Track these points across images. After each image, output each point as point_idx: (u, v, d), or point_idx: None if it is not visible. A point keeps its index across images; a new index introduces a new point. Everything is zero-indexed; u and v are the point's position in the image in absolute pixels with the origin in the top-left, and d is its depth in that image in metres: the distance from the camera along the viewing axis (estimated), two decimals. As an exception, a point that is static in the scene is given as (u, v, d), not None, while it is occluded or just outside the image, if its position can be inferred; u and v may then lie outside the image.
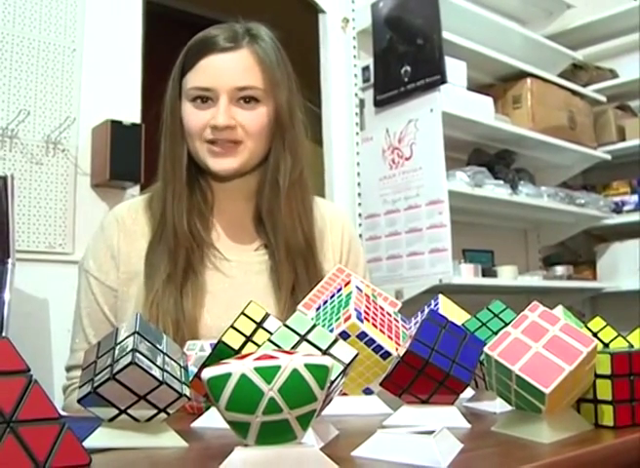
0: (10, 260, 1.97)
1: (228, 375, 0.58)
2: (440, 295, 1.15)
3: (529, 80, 3.78)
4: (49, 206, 2.56)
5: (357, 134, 3.53)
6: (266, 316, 0.88)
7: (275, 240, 1.52)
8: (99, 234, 1.57)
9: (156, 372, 0.72)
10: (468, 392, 0.98)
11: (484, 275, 3.49)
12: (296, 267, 1.50)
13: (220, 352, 0.85)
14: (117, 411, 0.73)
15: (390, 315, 1.05)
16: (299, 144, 1.56)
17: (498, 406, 0.96)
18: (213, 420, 0.88)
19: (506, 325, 1.01)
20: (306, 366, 0.58)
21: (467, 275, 3.35)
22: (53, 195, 2.57)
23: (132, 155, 2.60)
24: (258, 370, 0.58)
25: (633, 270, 3.92)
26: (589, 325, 1.02)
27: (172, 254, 1.46)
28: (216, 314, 1.44)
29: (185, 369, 0.80)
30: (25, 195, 2.51)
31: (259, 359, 0.59)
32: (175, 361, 0.79)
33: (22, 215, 2.49)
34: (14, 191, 2.08)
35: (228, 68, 1.49)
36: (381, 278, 3.26)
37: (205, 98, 1.49)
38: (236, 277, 1.52)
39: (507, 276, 3.64)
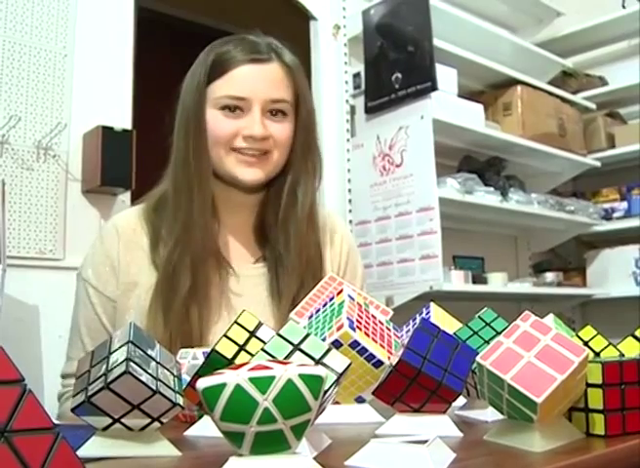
0: (0, 266, 1.97)
1: (223, 386, 0.58)
2: (432, 304, 1.15)
3: (519, 87, 3.79)
4: (39, 211, 2.55)
5: (348, 140, 3.53)
6: (259, 325, 0.89)
7: (285, 252, 1.51)
8: (98, 244, 1.56)
9: (150, 382, 0.72)
10: (460, 400, 0.99)
11: (474, 282, 3.50)
12: (303, 280, 1.49)
13: (214, 361, 0.85)
14: (111, 421, 0.73)
15: (382, 324, 1.05)
16: (318, 159, 1.58)
17: (489, 414, 0.97)
18: (206, 429, 0.88)
19: (498, 333, 1.01)
20: (301, 376, 0.59)
21: (458, 282, 3.36)
22: (43, 201, 2.56)
23: (123, 161, 2.60)
24: (252, 380, 0.58)
25: (623, 277, 3.93)
26: (580, 334, 1.03)
27: (194, 269, 1.44)
28: (220, 330, 1.42)
29: (179, 377, 0.80)
30: (16, 201, 2.50)
31: (253, 369, 0.59)
32: (168, 370, 0.79)
33: (13, 221, 2.48)
34: (4, 197, 2.07)
35: (263, 80, 1.49)
36: (372, 284, 3.26)
37: (234, 108, 1.48)
38: (238, 291, 1.52)
39: (497, 283, 3.64)
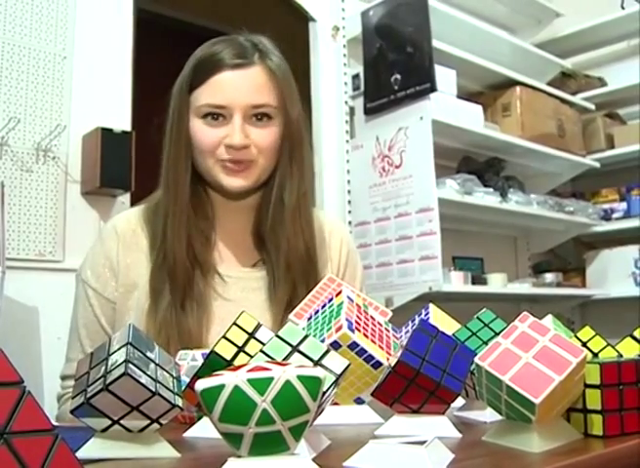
0: (0, 268, 1.97)
1: (222, 387, 0.58)
2: (430, 305, 1.15)
3: (518, 88, 3.79)
4: (39, 213, 2.55)
5: (347, 141, 3.54)
6: (258, 326, 0.89)
7: (276, 257, 1.51)
8: (98, 245, 1.56)
9: (149, 383, 0.72)
10: (459, 401, 0.99)
11: (474, 282, 3.50)
12: (295, 284, 1.49)
13: (213, 362, 0.85)
14: (110, 422, 0.73)
15: (381, 325, 1.06)
16: (306, 161, 1.56)
17: (488, 415, 0.97)
18: (205, 430, 0.88)
19: (496, 334, 1.01)
20: (299, 377, 0.59)
21: (457, 282, 3.36)
22: (43, 203, 2.57)
23: (122, 163, 2.60)
24: (251, 381, 0.58)
25: (622, 277, 3.93)
26: (579, 334, 1.03)
27: (172, 279, 1.45)
28: (218, 332, 1.43)
29: (178, 379, 0.80)
30: (16, 203, 2.50)
31: (251, 370, 0.59)
32: (167, 371, 0.79)
33: (13, 223, 2.49)
34: (4, 199, 2.08)
35: (242, 86, 1.47)
36: (371, 285, 3.26)
37: (216, 115, 1.47)
38: (235, 294, 1.52)
39: (497, 283, 3.64)
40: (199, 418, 0.94)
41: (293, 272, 1.50)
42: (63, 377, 1.53)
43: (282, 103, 1.50)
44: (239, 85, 1.47)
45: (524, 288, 3.81)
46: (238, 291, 1.52)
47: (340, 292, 1.06)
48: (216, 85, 1.47)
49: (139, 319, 1.44)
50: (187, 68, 1.51)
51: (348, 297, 1.04)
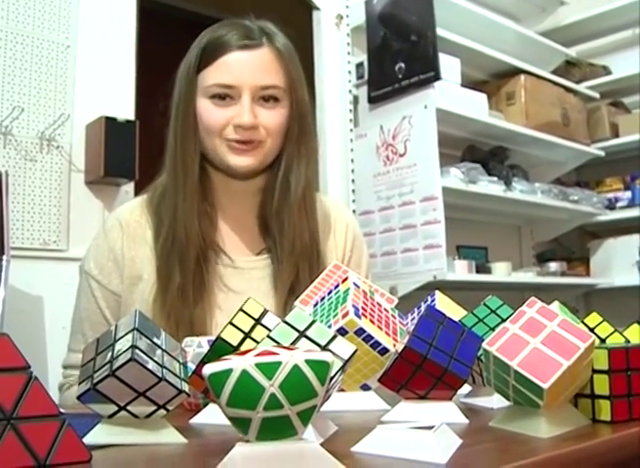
0: (4, 257, 1.97)
1: (229, 371, 0.58)
2: (437, 292, 1.15)
3: (522, 77, 3.78)
4: (43, 203, 2.55)
5: (351, 130, 3.53)
6: (265, 312, 0.89)
7: (280, 240, 1.51)
8: (101, 237, 1.55)
9: (155, 369, 0.72)
10: (465, 388, 0.98)
11: (478, 271, 3.50)
12: (298, 269, 1.49)
13: (219, 348, 0.85)
14: (117, 408, 0.73)
15: (387, 311, 1.05)
16: (312, 144, 1.56)
17: (495, 401, 0.97)
18: (211, 416, 0.88)
19: (503, 321, 1.01)
20: (307, 361, 0.58)
21: (461, 271, 3.36)
22: (47, 192, 2.57)
23: (126, 152, 2.60)
24: (259, 365, 0.58)
25: (626, 266, 3.93)
26: (586, 320, 1.03)
27: (183, 260, 1.44)
28: (220, 323, 1.42)
29: (184, 365, 0.80)
30: (20, 192, 2.50)
31: (259, 355, 0.59)
32: (173, 357, 0.79)
33: (17, 212, 2.48)
34: (8, 188, 2.07)
35: (251, 66, 1.47)
36: (376, 274, 3.25)
37: (224, 96, 1.47)
38: (239, 284, 1.51)
39: (501, 272, 3.64)
40: (205, 405, 0.94)
41: (296, 255, 1.50)
42: (65, 367, 1.53)
43: (289, 85, 1.51)
44: (247, 65, 1.47)
45: (528, 277, 3.81)
46: (243, 281, 1.52)
47: (346, 279, 1.06)
48: (224, 65, 1.47)
49: (143, 311, 1.43)
50: (193, 51, 1.51)
51: (354, 284, 1.04)
